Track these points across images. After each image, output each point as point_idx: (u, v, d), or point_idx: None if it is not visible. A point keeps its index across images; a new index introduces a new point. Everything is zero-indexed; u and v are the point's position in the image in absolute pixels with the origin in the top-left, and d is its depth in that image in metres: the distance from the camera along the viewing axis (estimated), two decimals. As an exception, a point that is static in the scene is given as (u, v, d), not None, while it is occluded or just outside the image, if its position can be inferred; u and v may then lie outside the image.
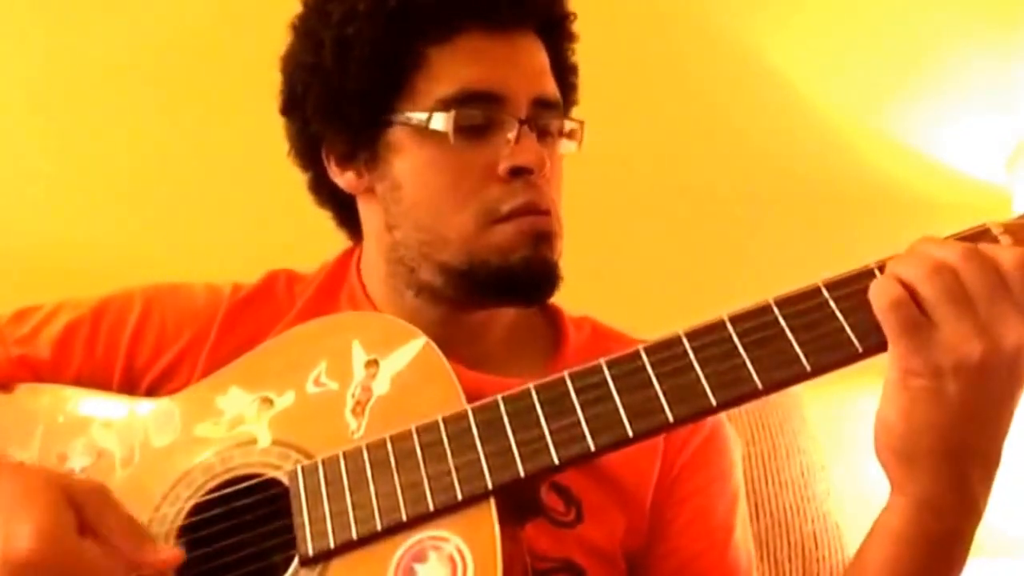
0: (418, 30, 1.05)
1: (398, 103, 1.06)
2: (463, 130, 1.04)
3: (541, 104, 1.07)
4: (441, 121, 1.03)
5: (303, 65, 1.09)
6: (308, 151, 1.14)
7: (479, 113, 1.04)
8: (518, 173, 1.04)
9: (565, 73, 1.15)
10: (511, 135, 1.04)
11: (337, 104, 1.07)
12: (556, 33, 1.13)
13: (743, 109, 2.14)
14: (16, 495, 0.81)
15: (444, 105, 1.04)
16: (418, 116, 1.05)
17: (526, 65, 1.07)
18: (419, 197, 1.06)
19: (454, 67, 1.05)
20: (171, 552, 0.87)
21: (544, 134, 1.08)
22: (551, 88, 1.09)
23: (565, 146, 1.11)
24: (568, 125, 1.11)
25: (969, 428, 0.78)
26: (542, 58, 1.09)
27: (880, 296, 0.78)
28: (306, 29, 1.10)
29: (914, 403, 0.78)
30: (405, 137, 1.06)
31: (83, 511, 0.82)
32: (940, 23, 2.14)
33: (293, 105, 1.12)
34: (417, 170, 1.06)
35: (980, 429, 0.79)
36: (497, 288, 1.05)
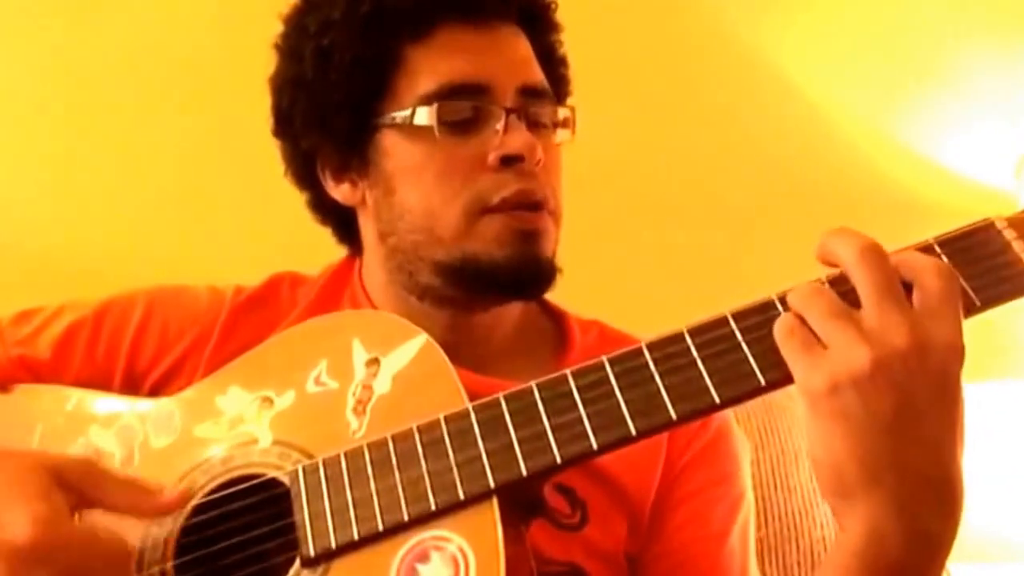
0: (394, 30, 1.05)
1: (383, 106, 1.06)
2: (450, 125, 1.03)
3: (528, 93, 1.06)
4: (424, 115, 1.03)
5: (288, 81, 1.10)
6: (303, 169, 1.14)
7: (465, 106, 1.03)
8: (508, 162, 1.03)
9: (553, 64, 1.14)
10: (499, 125, 1.03)
11: (323, 115, 1.07)
12: (538, 23, 1.12)
13: (750, 113, 2.14)
14: (5, 482, 0.82)
15: (427, 100, 1.03)
16: (402, 115, 1.04)
17: (508, 54, 1.07)
18: (410, 197, 1.05)
19: (434, 63, 1.04)
20: (175, 493, 0.89)
21: (536, 125, 1.07)
22: (537, 76, 1.08)
23: (560, 135, 1.10)
24: (561, 113, 1.10)
25: (885, 446, 0.73)
26: (525, 47, 1.09)
27: (776, 329, 0.77)
28: (288, 46, 1.10)
29: (827, 430, 0.74)
30: (393, 139, 1.06)
31: (78, 487, 0.84)
32: (948, 28, 2.14)
33: (282, 123, 1.12)
34: (407, 170, 1.05)
35: (905, 448, 0.73)
36: (489, 284, 1.04)
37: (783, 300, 0.81)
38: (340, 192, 1.12)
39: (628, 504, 1.05)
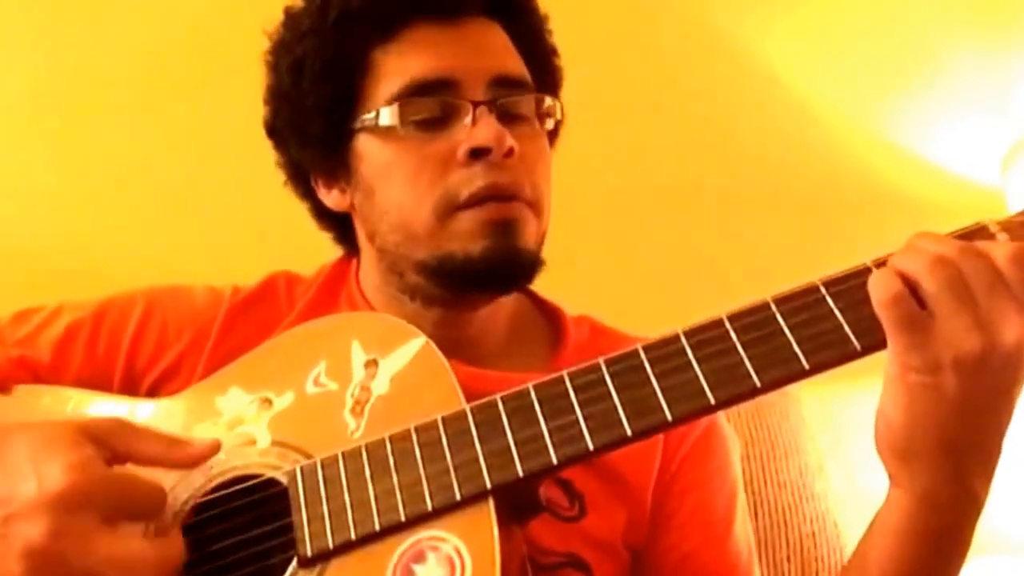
0: (362, 36, 1.05)
1: (355, 111, 1.06)
2: (417, 123, 1.03)
3: (501, 83, 1.05)
4: (388, 115, 1.03)
5: (271, 93, 1.12)
6: (298, 179, 1.15)
7: (431, 103, 1.03)
8: (477, 155, 1.02)
9: (536, 53, 1.13)
10: (468, 119, 1.03)
11: (303, 125, 1.08)
12: (512, 12, 1.11)
13: (737, 110, 2.14)
14: (39, 441, 0.82)
15: (392, 101, 1.04)
16: (369, 117, 1.05)
17: (477, 47, 1.06)
18: (387, 198, 1.05)
19: (400, 63, 1.05)
20: (206, 443, 0.89)
21: (513, 116, 1.06)
22: (511, 66, 1.07)
23: (548, 125, 1.10)
24: (546, 102, 1.09)
25: (968, 422, 0.78)
26: (498, 38, 1.08)
27: (880, 291, 0.78)
28: (272, 60, 1.12)
29: (914, 399, 0.78)
30: (366, 142, 1.06)
31: (108, 443, 0.84)
32: (934, 23, 2.14)
33: (272, 136, 1.14)
34: (381, 171, 1.06)
35: (979, 423, 0.78)
36: (468, 279, 1.04)
37: (777, 302, 0.82)
38: (331, 199, 1.13)
39: (626, 495, 1.06)
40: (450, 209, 1.02)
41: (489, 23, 1.08)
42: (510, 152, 1.02)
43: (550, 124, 1.10)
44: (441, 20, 1.06)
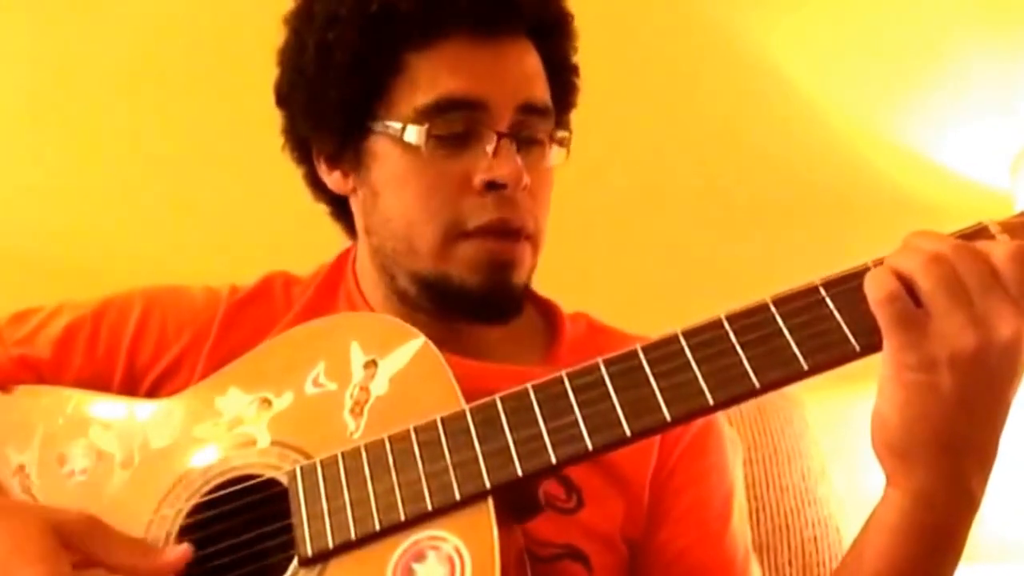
0: (399, 36, 1.03)
1: (378, 110, 1.05)
2: (441, 139, 1.03)
3: (528, 110, 1.05)
4: (414, 134, 1.02)
5: (289, 66, 1.10)
6: (299, 148, 1.14)
7: (458, 121, 1.03)
8: (492, 187, 1.03)
9: (563, 73, 1.13)
10: (490, 148, 1.02)
11: (319, 110, 1.07)
12: (551, 35, 1.10)
13: (746, 113, 2.14)
14: (10, 546, 0.83)
15: (421, 115, 1.02)
16: (394, 127, 1.04)
17: (512, 71, 1.05)
18: (394, 206, 1.06)
19: (434, 75, 1.03)
20: (178, 552, 0.89)
21: (532, 142, 1.06)
22: (540, 94, 1.07)
23: (556, 154, 1.09)
24: (559, 133, 1.09)
25: (963, 421, 0.78)
26: (532, 63, 1.07)
27: (875, 289, 0.78)
28: (294, 27, 1.10)
29: (909, 396, 0.78)
30: (384, 146, 1.06)
31: (81, 545, 0.85)
32: (944, 26, 2.14)
33: (282, 103, 1.13)
34: (393, 180, 1.06)
35: (974, 422, 0.78)
36: (457, 305, 1.05)
37: (776, 303, 0.82)
38: (332, 179, 1.12)
39: (624, 488, 1.06)
40: (455, 234, 1.03)
41: (525, 45, 1.07)
42: (524, 187, 1.03)
43: (559, 159, 1.10)
44: (481, 37, 1.04)
